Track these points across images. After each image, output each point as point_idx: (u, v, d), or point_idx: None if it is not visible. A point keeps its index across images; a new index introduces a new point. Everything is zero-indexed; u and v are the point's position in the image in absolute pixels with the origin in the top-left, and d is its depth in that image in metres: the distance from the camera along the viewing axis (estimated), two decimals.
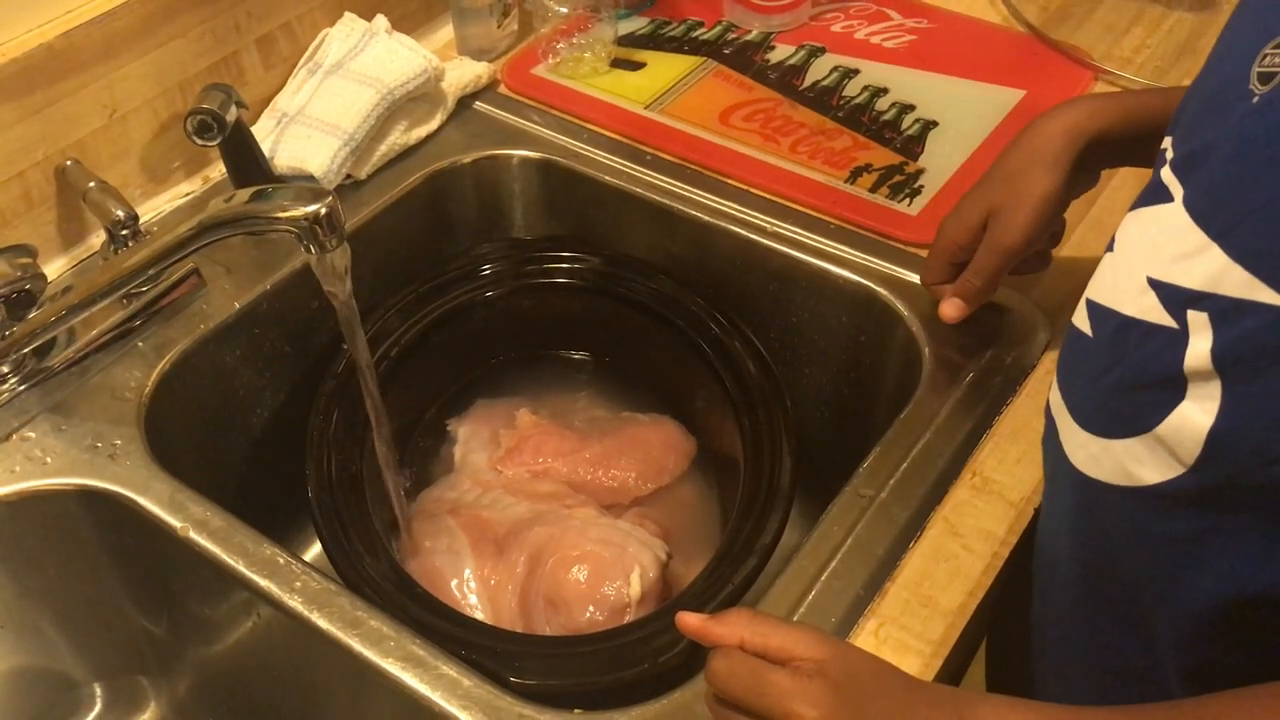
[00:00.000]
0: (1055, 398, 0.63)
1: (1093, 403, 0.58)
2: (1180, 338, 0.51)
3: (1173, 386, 0.51)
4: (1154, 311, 0.53)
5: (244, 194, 0.66)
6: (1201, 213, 0.51)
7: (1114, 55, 1.06)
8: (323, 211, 0.65)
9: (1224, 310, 0.49)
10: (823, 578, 0.68)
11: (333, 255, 0.67)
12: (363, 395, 0.85)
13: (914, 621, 0.66)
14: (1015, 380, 0.78)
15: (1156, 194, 0.56)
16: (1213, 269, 0.49)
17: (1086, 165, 0.75)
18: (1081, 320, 0.60)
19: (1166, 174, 0.55)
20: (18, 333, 0.76)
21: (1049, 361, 0.79)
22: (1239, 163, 0.49)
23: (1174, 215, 0.53)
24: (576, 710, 0.62)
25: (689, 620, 0.58)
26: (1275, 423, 0.47)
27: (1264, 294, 0.46)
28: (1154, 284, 0.53)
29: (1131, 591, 0.59)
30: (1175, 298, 0.52)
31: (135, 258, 0.71)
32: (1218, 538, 0.52)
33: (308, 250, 0.67)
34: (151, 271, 0.72)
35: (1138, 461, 0.54)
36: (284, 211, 0.66)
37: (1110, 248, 0.59)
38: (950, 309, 0.79)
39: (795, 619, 0.66)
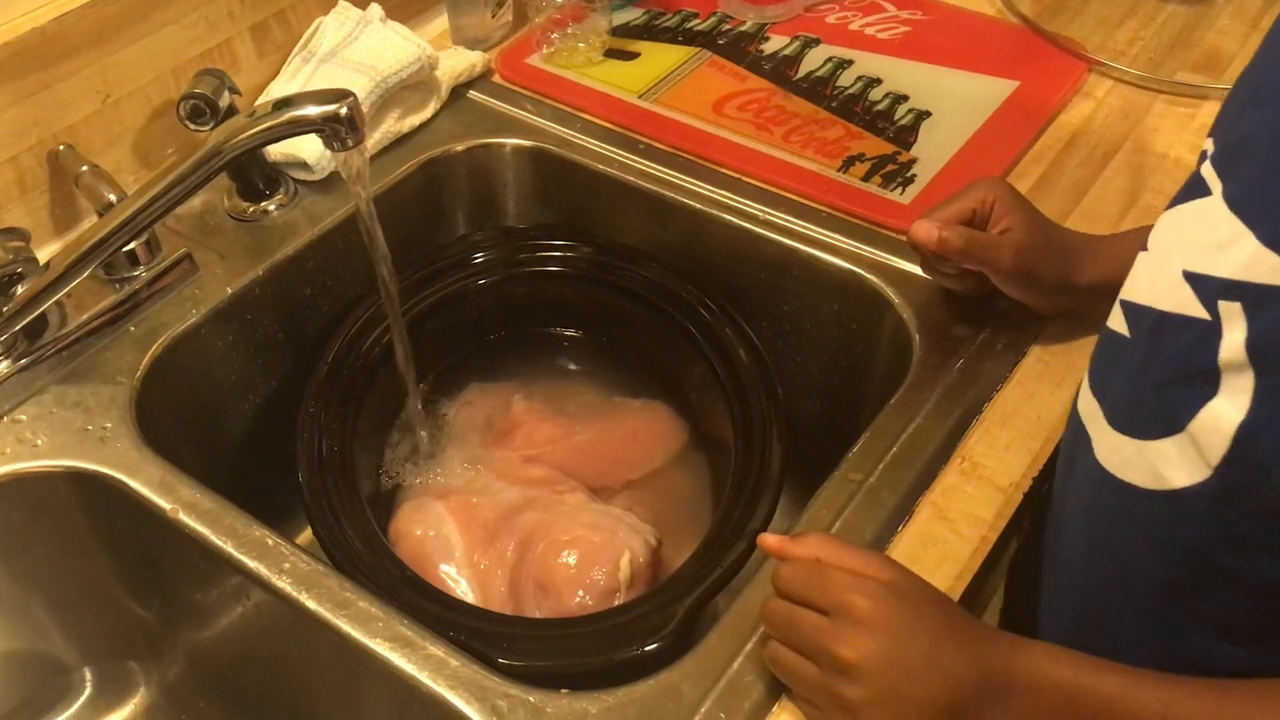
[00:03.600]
0: (1087, 404, 0.62)
1: (1129, 403, 0.57)
2: (1214, 329, 0.50)
3: (1206, 381, 0.50)
4: (1189, 304, 0.52)
5: (267, 104, 0.70)
6: (1238, 203, 0.51)
7: (1108, 47, 1.06)
8: (343, 111, 0.69)
9: (1256, 298, 0.48)
10: None
11: (351, 154, 0.71)
12: (355, 378, 0.85)
13: None
14: (1006, 367, 0.78)
15: (1194, 190, 0.55)
16: (1245, 256, 0.48)
17: None
18: (1117, 322, 0.60)
19: (1206, 169, 0.54)
20: (11, 307, 0.75)
21: (1039, 350, 0.80)
22: (1278, 150, 0.49)
23: (1212, 208, 0.52)
24: (563, 690, 0.63)
25: (769, 540, 0.63)
26: None
27: None
28: (1189, 276, 0.52)
29: (1155, 602, 0.58)
30: (1208, 288, 0.51)
31: (168, 179, 0.72)
32: (1246, 548, 0.52)
33: (330, 147, 0.71)
34: (185, 184, 0.73)
35: (1168, 463, 0.53)
36: (305, 112, 0.69)
37: (1145, 248, 0.59)
38: (925, 230, 0.75)
39: None
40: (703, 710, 0.61)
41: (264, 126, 0.71)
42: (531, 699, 0.62)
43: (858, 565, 0.59)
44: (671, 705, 0.62)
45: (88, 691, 0.87)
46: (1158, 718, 0.53)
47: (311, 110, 0.70)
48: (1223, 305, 0.50)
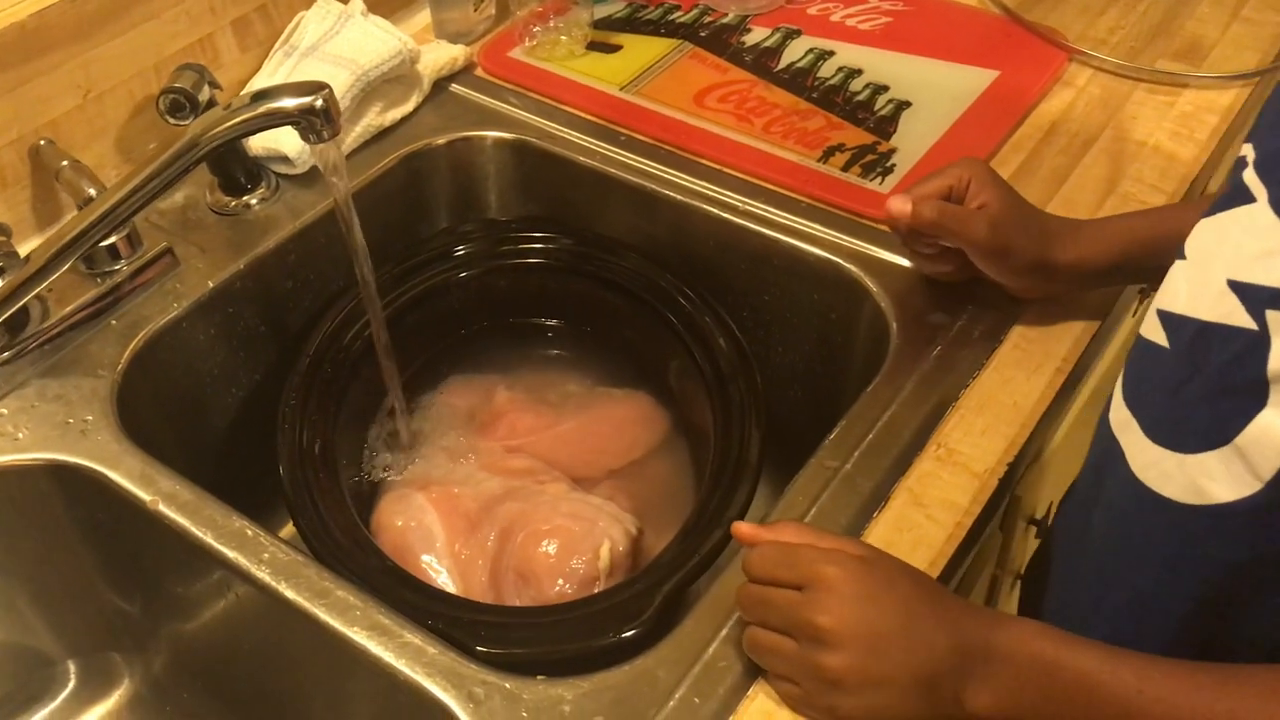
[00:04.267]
0: (1119, 414, 0.61)
1: (1170, 415, 0.57)
2: (1262, 340, 0.49)
3: (1255, 393, 0.49)
4: (1235, 314, 0.51)
5: (245, 96, 0.71)
6: None
7: (1089, 36, 1.06)
8: (318, 104, 0.70)
9: None
10: None
11: (327, 146, 0.72)
12: (337, 370, 0.86)
13: None
14: (982, 354, 0.79)
15: (1235, 197, 0.54)
16: None
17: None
18: (1154, 331, 0.59)
19: (1249, 176, 0.54)
20: None
21: (1015, 336, 0.80)
22: None
23: (1258, 215, 0.51)
24: (539, 676, 0.63)
25: (742, 528, 0.63)
26: None
27: None
28: (1235, 286, 0.52)
29: (1190, 619, 0.58)
30: (1256, 298, 0.50)
31: (146, 171, 0.73)
32: None
33: (305, 140, 0.72)
34: (163, 177, 0.73)
35: (1210, 477, 0.53)
36: (282, 104, 0.70)
37: (1181, 255, 0.58)
38: (899, 204, 0.75)
39: None
40: (678, 695, 0.62)
41: (241, 119, 0.72)
42: (508, 685, 0.63)
43: (828, 544, 0.60)
44: (647, 690, 0.62)
45: (72, 684, 0.87)
46: (1134, 693, 0.53)
47: (288, 102, 0.71)
48: (1271, 315, 0.49)
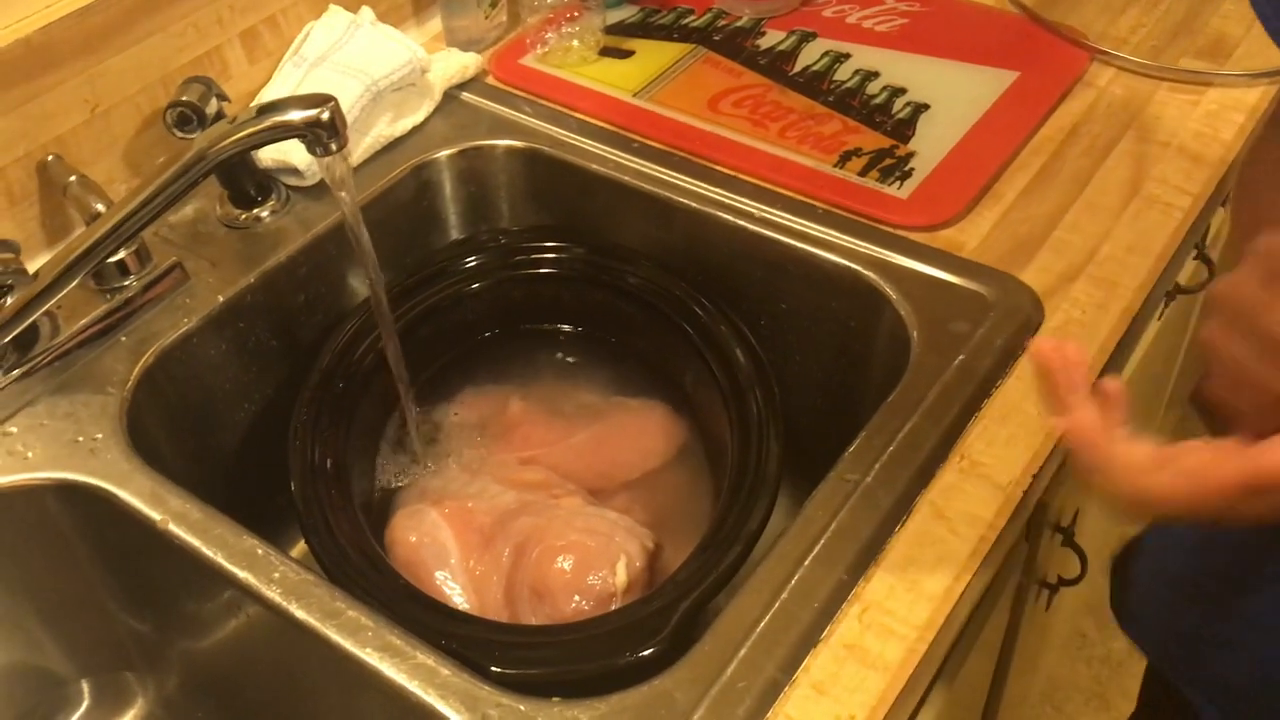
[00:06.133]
0: None
1: None
2: None
3: None
4: None
5: (251, 109, 0.71)
6: None
7: (1110, 35, 1.05)
8: (324, 116, 0.69)
9: None
10: (805, 563, 0.66)
11: (333, 159, 0.71)
12: (349, 384, 0.85)
13: (899, 606, 0.64)
14: (1005, 362, 0.77)
15: None
16: None
17: None
18: None
19: None
20: None
21: (1039, 343, 0.78)
22: None
23: None
24: (555, 698, 0.62)
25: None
26: None
27: None
28: None
29: None
30: None
31: (152, 186, 0.72)
32: None
33: (312, 152, 0.71)
34: (169, 191, 0.73)
35: None
36: (288, 117, 0.69)
37: None
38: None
39: (776, 605, 0.64)
40: (696, 717, 0.60)
41: (246, 132, 0.71)
42: (522, 708, 0.61)
43: None
44: (664, 712, 0.60)
45: (85, 704, 0.87)
46: None
47: (293, 115, 0.70)
48: None
